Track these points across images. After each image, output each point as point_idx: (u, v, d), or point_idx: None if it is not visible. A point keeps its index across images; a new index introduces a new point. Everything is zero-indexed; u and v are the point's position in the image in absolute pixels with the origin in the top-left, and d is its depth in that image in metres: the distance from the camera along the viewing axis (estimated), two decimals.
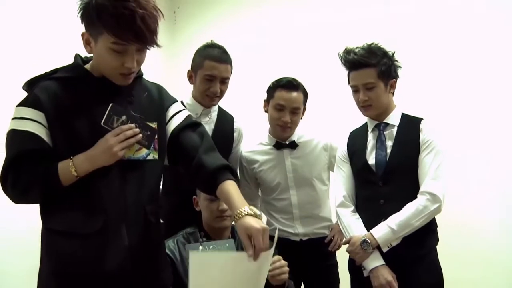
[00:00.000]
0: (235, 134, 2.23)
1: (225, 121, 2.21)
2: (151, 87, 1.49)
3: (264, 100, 2.18)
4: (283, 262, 1.68)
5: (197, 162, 1.41)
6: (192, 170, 1.42)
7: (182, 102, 2.10)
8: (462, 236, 2.56)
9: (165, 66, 3.56)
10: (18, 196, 1.32)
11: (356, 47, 1.85)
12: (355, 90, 1.86)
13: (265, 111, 2.18)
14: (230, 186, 1.36)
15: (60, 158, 1.29)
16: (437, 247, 1.84)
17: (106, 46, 1.25)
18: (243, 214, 1.28)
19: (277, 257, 1.68)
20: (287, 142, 2.16)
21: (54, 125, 1.29)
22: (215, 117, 2.17)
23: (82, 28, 1.32)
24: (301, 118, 2.16)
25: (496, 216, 2.55)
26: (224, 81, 2.04)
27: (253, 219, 1.27)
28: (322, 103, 2.92)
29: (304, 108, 2.15)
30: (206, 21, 3.63)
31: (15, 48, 2.37)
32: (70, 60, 1.41)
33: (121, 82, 1.34)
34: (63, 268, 1.30)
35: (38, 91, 1.30)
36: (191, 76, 2.10)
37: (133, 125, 1.32)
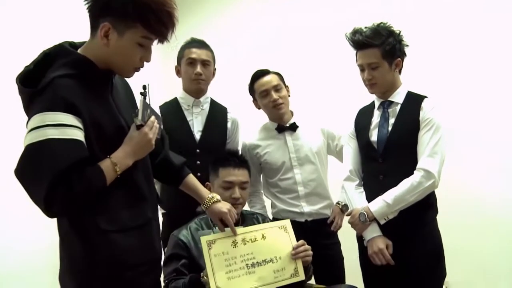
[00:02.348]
0: (229, 125, 2.34)
1: (218, 112, 2.33)
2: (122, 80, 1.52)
3: (252, 101, 2.33)
4: (307, 247, 1.81)
5: (164, 158, 1.60)
6: (157, 164, 1.58)
7: (176, 98, 2.27)
8: (462, 205, 2.62)
9: (162, 61, 3.59)
10: (69, 207, 1.25)
11: (365, 27, 1.89)
12: (361, 69, 1.93)
13: (259, 108, 2.33)
14: (193, 180, 1.67)
15: (95, 159, 1.28)
16: (438, 217, 1.91)
17: (134, 40, 1.29)
18: (211, 202, 1.64)
19: (301, 241, 1.81)
20: (288, 125, 2.29)
21: (88, 128, 1.26)
22: (207, 108, 2.30)
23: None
24: (289, 95, 2.31)
25: (497, 184, 2.61)
26: (205, 63, 2.23)
27: (220, 203, 1.65)
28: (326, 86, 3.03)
29: (288, 87, 2.31)
30: (203, 16, 3.64)
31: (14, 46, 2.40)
32: None
33: (129, 75, 1.40)
34: (124, 260, 1.33)
35: (65, 93, 1.22)
36: (178, 71, 2.29)
37: (154, 117, 1.43)
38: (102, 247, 1.30)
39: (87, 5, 1.30)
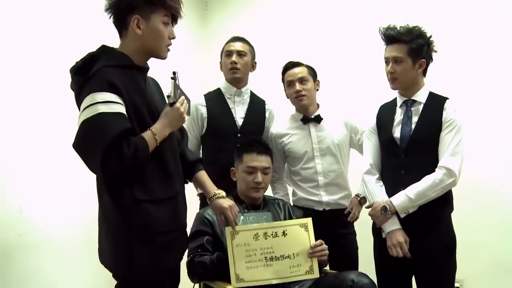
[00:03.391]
0: (267, 114, 2.52)
1: (257, 103, 2.51)
2: (153, 81, 1.77)
3: (284, 89, 2.44)
4: (324, 246, 1.93)
5: (180, 152, 1.76)
6: None
7: (219, 88, 2.47)
8: (477, 201, 2.66)
9: (197, 51, 3.66)
10: (122, 169, 1.44)
11: (400, 26, 1.97)
12: (386, 62, 2.00)
13: (288, 97, 2.43)
14: (203, 175, 1.82)
15: (134, 134, 1.49)
16: (454, 212, 1.98)
17: (159, 20, 1.55)
18: (215, 197, 1.77)
19: (319, 241, 1.94)
20: (313, 116, 2.38)
21: (127, 107, 1.49)
22: (248, 99, 2.48)
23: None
24: (317, 90, 2.41)
25: (510, 179, 2.64)
26: (240, 54, 2.43)
27: (222, 199, 1.78)
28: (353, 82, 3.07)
29: (318, 81, 2.40)
30: (237, 6, 3.68)
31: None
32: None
33: (165, 55, 1.62)
34: (155, 227, 1.52)
35: (110, 77, 1.45)
36: (221, 66, 2.48)
37: (183, 97, 1.66)
38: (136, 214, 1.49)
39: (110, 14, 1.57)
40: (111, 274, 1.69)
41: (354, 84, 3.07)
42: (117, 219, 1.51)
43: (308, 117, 2.39)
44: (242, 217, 1.97)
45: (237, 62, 2.40)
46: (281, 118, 2.52)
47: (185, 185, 2.41)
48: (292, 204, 2.40)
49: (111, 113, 1.42)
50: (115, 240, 1.54)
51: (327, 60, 3.02)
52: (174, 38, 1.61)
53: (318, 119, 2.38)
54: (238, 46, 2.43)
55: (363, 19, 3.04)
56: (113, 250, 1.55)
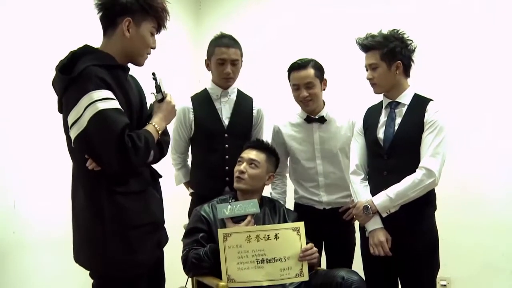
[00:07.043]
0: (254, 113, 2.49)
1: (244, 101, 2.48)
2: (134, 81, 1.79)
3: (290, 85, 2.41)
4: (315, 249, 1.99)
5: None
6: None
7: (206, 89, 2.46)
8: (464, 203, 2.65)
9: (190, 51, 3.69)
10: (137, 163, 1.53)
11: (378, 33, 2.02)
12: (366, 70, 2.06)
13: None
14: None
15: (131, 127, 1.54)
16: (439, 214, 2.00)
17: (148, 29, 1.63)
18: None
19: (310, 245, 1.98)
20: (317, 117, 2.37)
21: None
22: (234, 98, 2.45)
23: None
24: (324, 89, 2.35)
25: (498, 182, 2.63)
26: (234, 63, 2.35)
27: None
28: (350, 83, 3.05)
29: (325, 80, 2.34)
30: (230, 6, 3.70)
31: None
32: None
33: (143, 62, 1.69)
34: (129, 222, 1.55)
35: (100, 75, 1.49)
36: (207, 64, 2.44)
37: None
38: (110, 208, 1.52)
39: (101, 12, 1.60)
40: None
41: (356, 84, 3.01)
42: (91, 213, 1.53)
43: (312, 118, 2.38)
44: (229, 206, 2.00)
45: (231, 72, 2.34)
46: (287, 113, 2.49)
47: (177, 186, 2.50)
48: (294, 202, 2.45)
49: (112, 109, 1.47)
50: (89, 238, 1.56)
51: (324, 59, 3.04)
52: (155, 48, 1.68)
53: (322, 120, 2.36)
54: (232, 54, 2.33)
55: (364, 16, 3.04)
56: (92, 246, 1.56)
